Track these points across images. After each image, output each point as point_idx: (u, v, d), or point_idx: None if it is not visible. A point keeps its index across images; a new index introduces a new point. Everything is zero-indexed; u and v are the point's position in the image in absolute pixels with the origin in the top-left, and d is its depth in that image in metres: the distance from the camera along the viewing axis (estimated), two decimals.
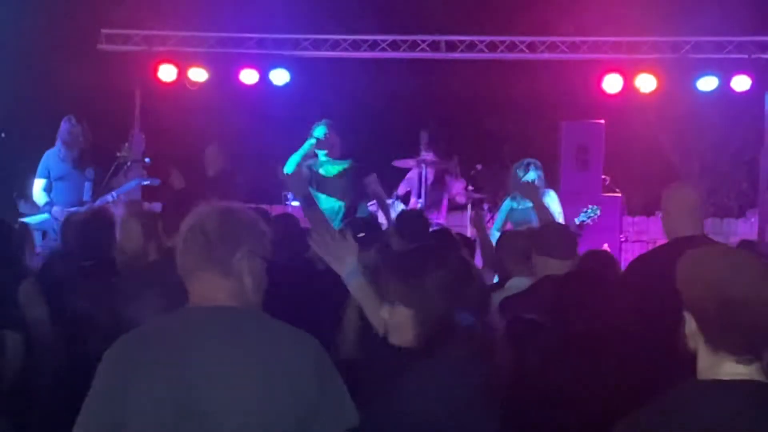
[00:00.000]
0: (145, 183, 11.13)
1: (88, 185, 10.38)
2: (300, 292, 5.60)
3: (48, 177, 10.45)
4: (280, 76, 14.18)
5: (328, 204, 10.45)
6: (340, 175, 10.84)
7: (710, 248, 3.17)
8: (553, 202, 11.65)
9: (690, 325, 2.95)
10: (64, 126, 10.49)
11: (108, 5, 14.41)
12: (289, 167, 10.48)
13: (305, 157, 10.71)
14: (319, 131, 10.78)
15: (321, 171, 10.80)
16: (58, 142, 10.51)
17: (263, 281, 3.37)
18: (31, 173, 10.77)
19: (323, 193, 10.60)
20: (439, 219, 12.78)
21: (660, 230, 14.68)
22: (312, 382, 3.17)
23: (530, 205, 11.63)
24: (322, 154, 10.82)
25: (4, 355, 5.48)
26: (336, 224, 9.77)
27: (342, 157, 10.84)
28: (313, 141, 10.69)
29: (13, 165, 13.57)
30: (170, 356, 3.11)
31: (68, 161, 10.43)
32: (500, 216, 11.44)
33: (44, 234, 10.10)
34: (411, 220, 7.35)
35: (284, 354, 3.17)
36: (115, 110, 13.74)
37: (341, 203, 10.67)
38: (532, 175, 10.86)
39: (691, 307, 2.95)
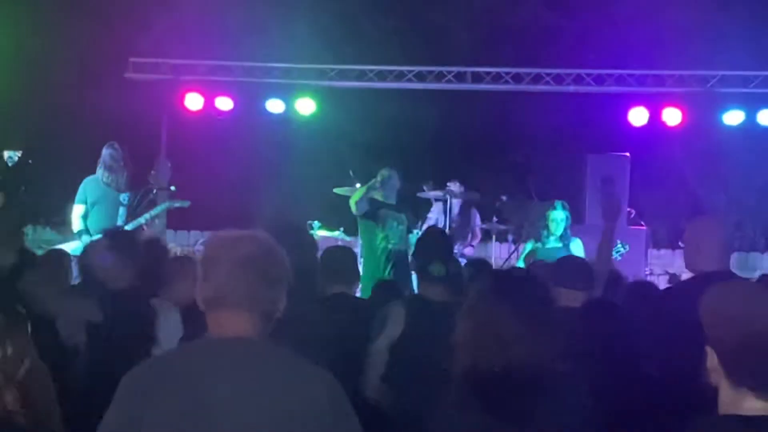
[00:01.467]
0: (176, 206, 11.13)
1: (122, 210, 10.41)
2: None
3: (86, 203, 10.51)
4: (305, 106, 14.24)
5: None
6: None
7: (733, 284, 3.16)
8: (577, 249, 11.65)
9: (712, 359, 2.94)
10: (107, 151, 10.52)
11: (136, 34, 14.53)
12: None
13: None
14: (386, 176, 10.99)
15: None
16: (100, 168, 10.54)
17: (280, 311, 3.35)
18: (60, 199, 10.83)
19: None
20: (465, 250, 12.78)
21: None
22: (325, 418, 3.14)
23: (557, 245, 11.68)
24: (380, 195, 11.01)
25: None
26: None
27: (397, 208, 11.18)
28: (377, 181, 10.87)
29: (42, 191, 13.66)
30: (185, 386, 3.10)
31: (111, 186, 10.47)
32: (524, 254, 11.48)
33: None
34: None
35: (299, 388, 3.15)
36: (142, 138, 13.78)
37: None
38: (561, 215, 10.88)
39: (713, 342, 2.94)
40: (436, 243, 6.75)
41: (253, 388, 3.10)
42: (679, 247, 15.42)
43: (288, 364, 3.24)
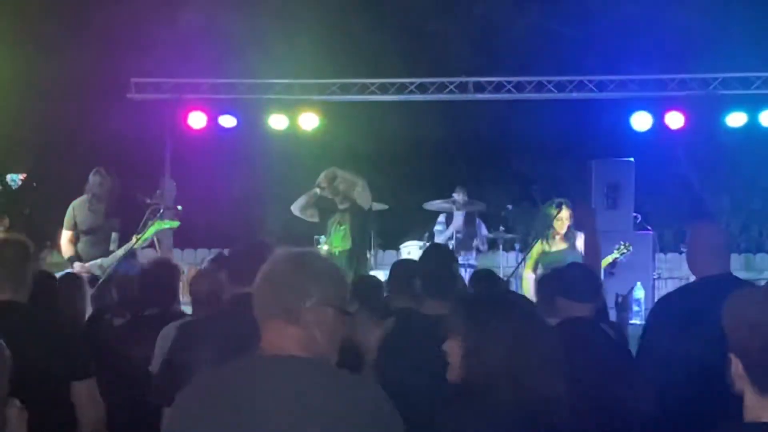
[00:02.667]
0: (165, 227, 10.96)
1: (114, 236, 10.31)
2: None
3: (74, 229, 10.42)
4: (308, 121, 14.25)
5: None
6: None
7: (755, 290, 3.14)
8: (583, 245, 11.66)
9: (736, 367, 2.93)
10: (93, 179, 10.37)
11: (137, 54, 14.55)
12: None
13: None
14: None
15: None
16: (87, 195, 10.46)
17: (337, 332, 3.33)
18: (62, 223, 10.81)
19: None
20: (470, 259, 12.79)
21: None
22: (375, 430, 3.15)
23: (562, 248, 11.69)
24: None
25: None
26: None
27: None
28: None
29: (44, 214, 13.68)
30: (233, 406, 3.09)
31: (98, 213, 10.38)
32: (531, 258, 11.48)
33: None
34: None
35: (348, 407, 3.12)
36: (146, 158, 13.83)
37: None
38: (566, 213, 10.86)
39: (736, 349, 2.93)
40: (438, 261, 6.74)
41: (299, 407, 3.08)
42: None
43: (337, 382, 3.22)
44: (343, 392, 3.18)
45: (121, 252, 10.05)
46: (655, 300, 5.84)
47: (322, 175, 11.40)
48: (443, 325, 4.60)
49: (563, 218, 11.27)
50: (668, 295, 6.28)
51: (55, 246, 10.89)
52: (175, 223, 10.97)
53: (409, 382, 5.04)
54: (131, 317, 6.63)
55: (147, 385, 5.61)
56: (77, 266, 10.02)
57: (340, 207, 11.62)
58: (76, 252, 10.25)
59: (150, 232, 10.46)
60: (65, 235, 10.33)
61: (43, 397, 4.54)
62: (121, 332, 6.47)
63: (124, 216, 10.35)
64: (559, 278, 6.01)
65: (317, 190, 11.51)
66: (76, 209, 10.39)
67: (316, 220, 11.74)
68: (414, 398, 4.28)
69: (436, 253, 6.76)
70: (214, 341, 4.58)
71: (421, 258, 6.74)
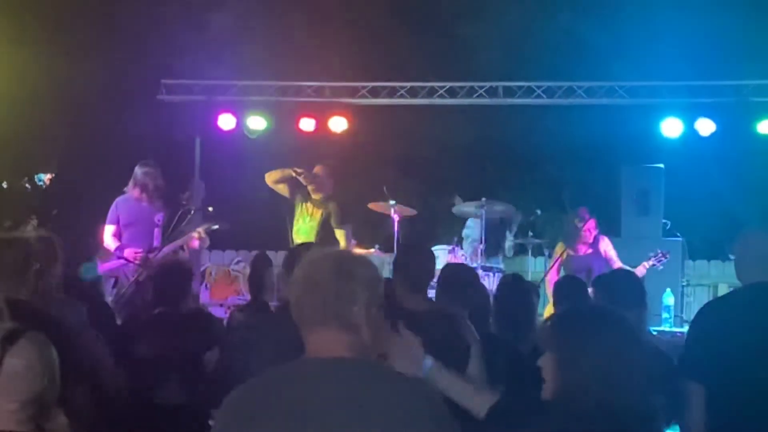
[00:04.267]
0: (214, 228, 10.96)
1: (157, 231, 10.35)
2: None
3: (117, 223, 10.45)
4: (338, 124, 14.25)
5: None
6: None
7: None
8: (608, 247, 11.71)
9: None
10: (140, 170, 10.48)
11: (168, 56, 14.58)
12: None
13: None
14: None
15: None
16: (132, 187, 10.51)
17: (381, 329, 3.35)
18: (95, 220, 10.84)
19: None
20: (499, 263, 12.78)
21: (721, 274, 14.58)
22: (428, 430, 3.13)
23: (588, 251, 11.72)
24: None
25: None
26: None
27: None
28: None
29: (76, 213, 13.70)
30: (285, 409, 3.08)
31: (143, 205, 10.44)
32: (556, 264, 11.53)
33: (116, 281, 10.10)
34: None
35: (402, 407, 3.11)
36: (176, 159, 13.83)
37: None
38: (592, 224, 11.05)
39: None
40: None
41: (353, 409, 3.08)
42: (715, 258, 15.38)
43: (386, 381, 3.22)
44: (399, 393, 3.17)
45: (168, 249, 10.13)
46: (698, 308, 5.74)
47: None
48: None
49: (590, 228, 11.35)
50: (713, 302, 6.23)
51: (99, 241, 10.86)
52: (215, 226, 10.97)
53: None
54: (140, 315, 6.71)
55: (154, 382, 5.68)
56: (128, 252, 10.10)
57: (314, 196, 12.09)
58: (122, 244, 10.33)
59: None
60: (108, 230, 10.44)
61: None
62: (127, 330, 6.55)
63: (165, 212, 10.42)
64: (605, 284, 6.00)
65: (292, 172, 12.01)
66: (120, 205, 10.49)
67: (286, 195, 12.06)
68: None
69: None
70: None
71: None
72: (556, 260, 11.94)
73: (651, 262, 11.65)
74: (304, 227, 12.06)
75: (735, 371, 4.91)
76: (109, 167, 13.27)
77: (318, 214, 12.09)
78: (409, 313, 5.51)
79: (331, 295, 3.23)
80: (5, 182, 16.13)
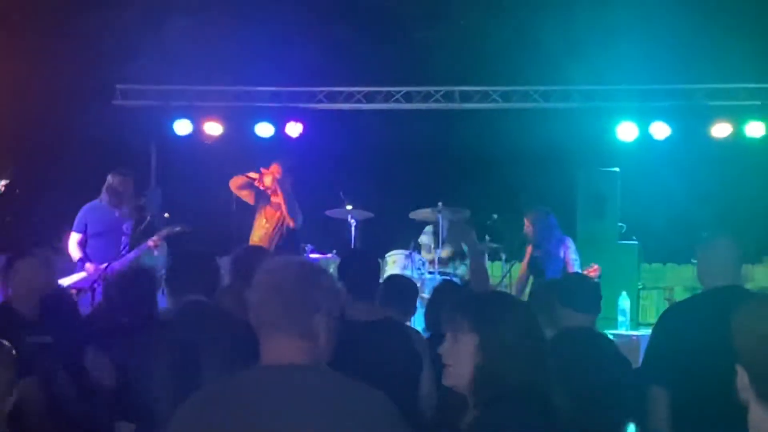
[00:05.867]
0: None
1: (125, 239, 10.26)
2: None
3: (84, 232, 10.33)
4: (294, 129, 14.22)
5: None
6: None
7: (765, 302, 3.12)
8: (569, 249, 11.70)
9: (742, 378, 2.91)
10: (115, 178, 10.37)
11: (123, 61, 14.48)
12: None
13: None
14: None
15: None
16: (104, 195, 10.38)
17: (334, 338, 3.34)
18: (48, 229, 10.73)
19: None
20: (458, 270, 12.77)
21: (677, 277, 14.66)
22: None
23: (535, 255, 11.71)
24: None
25: None
26: None
27: None
28: None
29: (26, 221, 13.59)
30: (243, 417, 3.07)
31: (114, 213, 10.32)
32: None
33: (78, 292, 9.95)
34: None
35: (358, 415, 3.12)
36: (132, 165, 13.73)
37: None
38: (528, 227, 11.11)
39: (743, 359, 2.91)
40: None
41: (307, 414, 3.08)
42: (671, 261, 15.49)
43: (341, 388, 3.22)
44: (358, 401, 3.18)
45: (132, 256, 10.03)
46: (654, 311, 5.74)
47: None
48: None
49: (527, 231, 11.39)
50: (676, 305, 6.26)
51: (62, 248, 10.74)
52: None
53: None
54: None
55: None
56: (89, 268, 9.99)
57: (273, 199, 12.03)
58: (86, 255, 10.19)
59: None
60: (73, 237, 10.27)
61: None
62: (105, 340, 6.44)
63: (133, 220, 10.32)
64: (559, 287, 6.01)
65: (248, 177, 12.05)
66: (88, 213, 10.32)
67: (250, 202, 12.04)
68: None
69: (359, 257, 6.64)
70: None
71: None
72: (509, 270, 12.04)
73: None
74: (259, 232, 12.03)
75: (698, 375, 4.94)
76: (64, 173, 13.16)
77: (274, 217, 12.06)
78: (358, 323, 5.51)
79: (296, 302, 3.24)
80: None
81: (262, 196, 12.14)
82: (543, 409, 3.45)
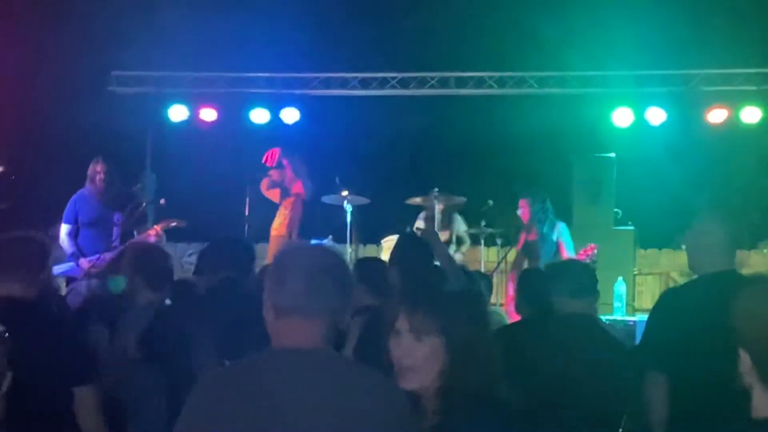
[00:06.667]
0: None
1: (116, 230, 10.08)
2: None
3: (75, 222, 10.16)
4: (290, 115, 14.20)
5: None
6: None
7: (765, 284, 3.12)
8: (564, 234, 11.69)
9: (745, 362, 2.91)
10: (95, 167, 10.18)
11: (118, 47, 14.44)
12: None
13: None
14: None
15: None
16: (88, 185, 10.26)
17: (345, 321, 3.41)
18: (45, 216, 10.66)
19: None
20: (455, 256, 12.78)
21: (673, 263, 14.68)
22: (392, 425, 3.15)
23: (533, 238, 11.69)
24: None
25: None
26: None
27: None
28: None
29: (23, 207, 13.55)
30: (256, 397, 3.08)
31: (100, 204, 10.15)
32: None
33: (68, 280, 9.83)
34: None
35: (367, 401, 3.14)
36: (127, 152, 13.71)
37: None
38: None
39: (746, 343, 2.91)
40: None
41: (322, 398, 3.09)
42: (666, 246, 15.48)
43: (354, 373, 3.25)
44: (365, 382, 3.22)
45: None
46: (650, 296, 5.71)
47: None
48: None
49: (524, 212, 11.38)
50: (672, 291, 6.16)
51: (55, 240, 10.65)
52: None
53: None
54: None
55: None
56: (83, 262, 9.82)
57: (293, 190, 12.61)
58: (78, 247, 10.05)
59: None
60: (64, 228, 10.08)
61: (44, 401, 4.53)
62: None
63: (122, 209, 10.16)
64: (551, 275, 5.99)
65: (273, 177, 12.61)
66: (78, 202, 10.14)
67: (276, 201, 12.26)
68: None
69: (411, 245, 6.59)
70: None
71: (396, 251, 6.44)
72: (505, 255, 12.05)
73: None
74: (279, 219, 12.33)
75: (695, 360, 4.91)
76: (60, 160, 13.13)
77: (289, 202, 12.25)
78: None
79: (328, 286, 3.25)
80: None
81: (284, 192, 12.36)
82: (502, 414, 3.36)
